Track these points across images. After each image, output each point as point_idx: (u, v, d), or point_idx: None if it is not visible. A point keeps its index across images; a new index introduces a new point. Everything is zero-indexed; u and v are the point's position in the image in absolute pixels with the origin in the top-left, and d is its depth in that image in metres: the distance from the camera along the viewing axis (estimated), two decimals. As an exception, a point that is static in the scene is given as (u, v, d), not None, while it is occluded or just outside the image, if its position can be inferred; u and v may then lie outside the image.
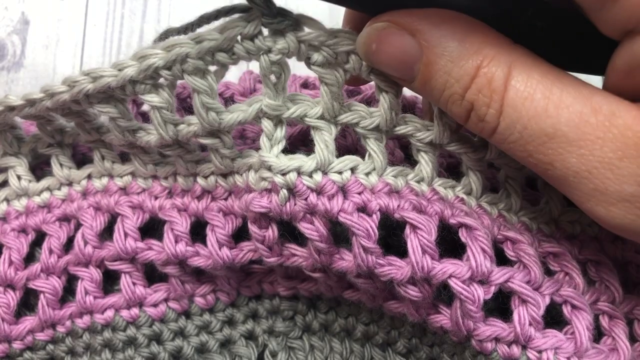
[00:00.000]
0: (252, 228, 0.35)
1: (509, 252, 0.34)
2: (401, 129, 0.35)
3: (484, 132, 0.30)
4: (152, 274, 0.39)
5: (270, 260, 0.36)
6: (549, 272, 0.35)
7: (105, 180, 0.40)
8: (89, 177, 0.40)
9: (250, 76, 0.43)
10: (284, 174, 0.34)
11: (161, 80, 0.34)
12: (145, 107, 0.41)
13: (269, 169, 0.34)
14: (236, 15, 0.33)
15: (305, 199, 0.34)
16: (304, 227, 0.34)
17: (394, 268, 0.33)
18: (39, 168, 0.42)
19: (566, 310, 0.33)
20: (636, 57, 0.26)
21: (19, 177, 0.40)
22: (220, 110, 0.34)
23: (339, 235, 0.35)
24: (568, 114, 0.28)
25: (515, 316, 0.32)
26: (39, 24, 0.52)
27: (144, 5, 0.52)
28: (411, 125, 0.35)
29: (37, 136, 0.40)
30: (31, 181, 0.40)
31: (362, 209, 0.34)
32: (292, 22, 0.32)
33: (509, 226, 0.35)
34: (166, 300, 0.39)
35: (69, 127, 0.39)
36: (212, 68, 0.34)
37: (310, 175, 0.34)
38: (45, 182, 0.40)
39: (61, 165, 0.40)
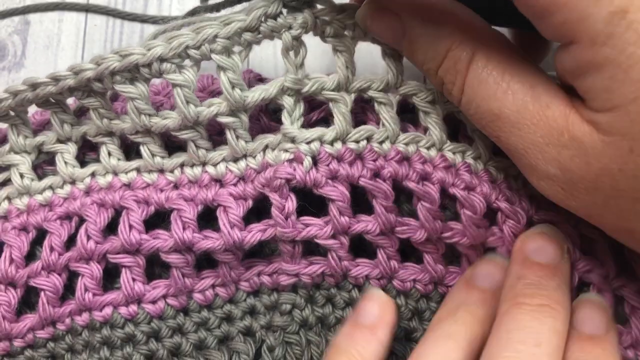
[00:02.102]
0: (274, 196, 0.37)
1: (500, 220, 0.38)
2: (405, 88, 0.38)
3: (453, 102, 0.35)
4: (151, 273, 0.40)
5: (284, 230, 0.37)
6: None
7: (109, 177, 0.40)
8: (93, 175, 0.40)
9: (249, 75, 0.44)
10: (307, 143, 0.37)
11: (186, 61, 0.37)
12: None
13: (292, 140, 0.37)
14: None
15: (328, 165, 0.37)
16: (328, 190, 0.37)
17: (412, 228, 0.37)
18: (40, 167, 0.42)
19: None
20: (563, 65, 0.30)
21: (21, 176, 0.40)
22: (244, 88, 0.37)
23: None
24: (512, 99, 0.32)
25: None
26: (39, 24, 0.52)
27: (144, 6, 0.53)
28: (413, 86, 0.38)
29: (44, 134, 0.41)
30: (33, 180, 0.41)
31: (377, 175, 0.37)
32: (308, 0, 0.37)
33: (508, 195, 0.38)
34: (165, 296, 0.39)
35: (76, 123, 0.40)
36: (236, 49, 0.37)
37: (331, 143, 0.37)
38: (48, 181, 0.41)
39: (66, 163, 0.40)
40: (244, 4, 0.42)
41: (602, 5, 0.27)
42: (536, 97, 0.31)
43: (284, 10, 0.37)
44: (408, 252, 0.39)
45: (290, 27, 0.37)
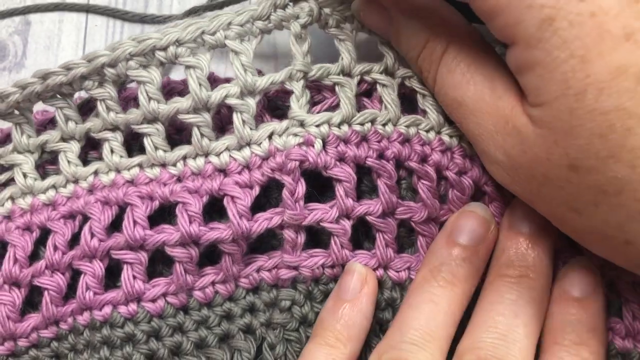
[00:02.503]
0: (287, 179, 0.38)
1: (486, 202, 0.41)
2: (402, 72, 0.41)
3: (430, 89, 0.39)
4: (151, 272, 0.40)
5: (293, 213, 0.38)
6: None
7: (112, 174, 0.40)
8: (96, 173, 0.41)
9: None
10: (317, 126, 0.39)
11: (201, 48, 0.39)
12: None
13: (302, 124, 0.39)
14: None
15: (336, 147, 0.39)
16: (337, 171, 0.38)
17: (413, 209, 0.39)
18: (42, 167, 0.42)
19: None
20: (510, 64, 0.34)
21: (25, 175, 0.41)
22: (254, 73, 0.39)
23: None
24: (474, 89, 0.36)
25: None
26: (40, 24, 0.52)
27: (145, 6, 0.53)
28: (410, 70, 0.41)
29: (48, 133, 0.41)
30: (36, 179, 0.41)
31: (381, 155, 0.39)
32: None
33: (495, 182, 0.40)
34: (165, 295, 0.39)
35: (80, 120, 0.41)
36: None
37: (338, 126, 0.39)
38: (51, 180, 0.41)
39: (69, 162, 0.41)
40: (242, 4, 0.45)
41: (534, 13, 0.30)
42: (493, 89, 0.35)
43: (291, 3, 0.40)
44: (403, 245, 0.41)
45: (297, 17, 0.40)
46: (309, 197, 0.39)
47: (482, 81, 0.36)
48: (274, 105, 0.42)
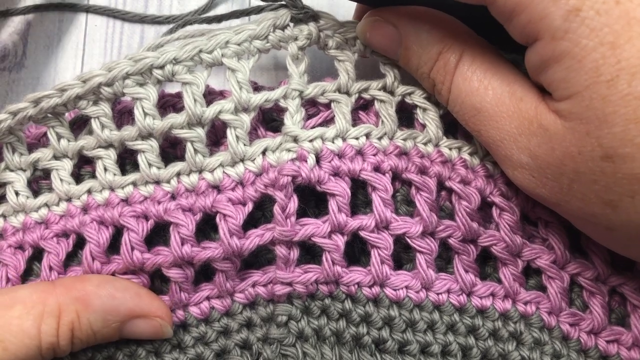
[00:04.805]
0: (279, 195, 0.38)
1: (495, 215, 0.40)
2: (402, 89, 0.41)
3: (442, 102, 0.39)
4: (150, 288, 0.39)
5: (283, 229, 0.38)
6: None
7: (106, 193, 0.40)
8: (89, 191, 0.40)
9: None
10: (310, 141, 0.39)
11: (198, 66, 0.40)
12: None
13: (295, 139, 0.39)
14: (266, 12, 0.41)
15: (330, 162, 0.39)
16: (330, 186, 0.38)
17: (408, 223, 0.39)
18: (35, 182, 0.42)
19: (544, 278, 0.40)
20: (531, 63, 0.34)
21: (17, 193, 0.41)
22: (250, 90, 0.39)
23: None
24: (492, 94, 0.36)
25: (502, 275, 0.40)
26: (40, 24, 0.53)
27: (144, 6, 0.53)
28: (410, 86, 0.41)
29: (39, 151, 0.41)
30: (29, 197, 0.41)
31: (377, 169, 0.39)
32: (313, 14, 0.40)
33: (503, 190, 0.40)
34: None
35: (72, 138, 0.41)
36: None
37: (332, 141, 0.39)
38: (43, 198, 0.41)
39: (61, 180, 0.41)
40: (239, 20, 0.45)
41: (560, 5, 0.31)
42: (512, 92, 0.35)
43: (291, 24, 0.40)
44: (402, 261, 0.40)
45: (296, 38, 0.40)
46: (305, 212, 0.39)
47: (500, 86, 0.36)
48: (270, 117, 0.42)
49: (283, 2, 0.41)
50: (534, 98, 0.35)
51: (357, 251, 0.40)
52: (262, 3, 0.41)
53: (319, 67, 0.43)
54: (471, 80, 0.37)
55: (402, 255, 0.40)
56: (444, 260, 0.40)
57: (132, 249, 0.38)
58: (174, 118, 0.39)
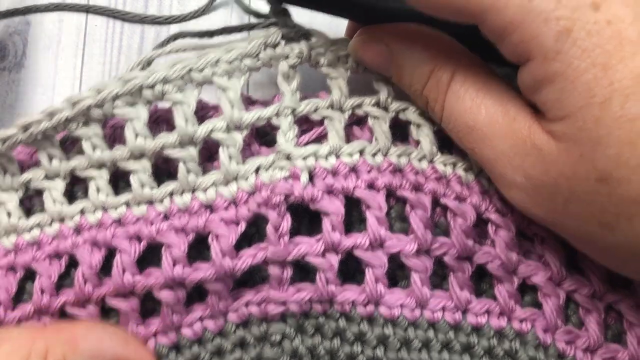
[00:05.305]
0: (272, 214, 0.37)
1: (491, 232, 0.39)
2: (396, 105, 0.41)
3: (436, 120, 0.38)
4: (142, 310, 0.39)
5: (276, 250, 0.37)
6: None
7: (99, 213, 0.39)
8: (82, 212, 0.40)
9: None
10: (303, 159, 0.39)
11: (188, 85, 0.39)
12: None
13: (288, 157, 0.39)
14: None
15: (324, 179, 0.38)
16: (324, 204, 0.38)
17: (403, 242, 0.38)
18: (28, 199, 0.41)
19: (540, 295, 0.39)
20: (524, 82, 0.34)
21: (8, 214, 0.40)
22: (241, 108, 0.39)
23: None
24: (485, 113, 0.35)
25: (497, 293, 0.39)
26: (40, 24, 0.52)
27: (144, 6, 0.53)
28: (404, 102, 0.41)
29: (31, 171, 0.40)
30: (21, 218, 0.40)
31: (371, 186, 0.39)
32: (304, 32, 0.40)
33: (499, 206, 0.39)
34: (155, 334, 0.38)
35: (64, 157, 0.40)
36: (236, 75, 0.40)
37: (325, 158, 0.39)
38: (35, 219, 0.40)
39: (54, 201, 0.40)
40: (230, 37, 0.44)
41: (551, 25, 0.31)
42: (505, 111, 0.35)
43: (282, 42, 0.40)
44: (396, 277, 0.40)
45: (287, 57, 0.40)
46: (299, 230, 0.39)
47: (493, 104, 0.35)
48: (263, 131, 0.41)
49: (274, 20, 0.40)
50: (527, 117, 0.34)
51: (351, 268, 0.39)
52: (254, 20, 0.41)
53: (312, 83, 0.43)
54: (464, 98, 0.36)
55: (397, 273, 0.39)
56: (439, 277, 0.39)
57: (124, 271, 0.37)
58: (165, 138, 0.38)
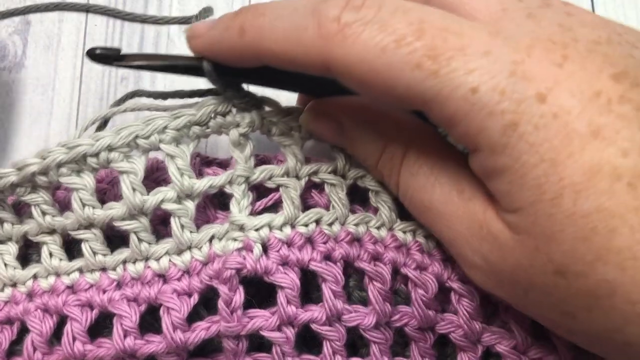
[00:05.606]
0: (223, 289, 0.36)
1: (454, 300, 0.38)
2: (354, 172, 0.39)
3: (394, 194, 0.38)
4: None
5: (229, 325, 0.36)
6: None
7: (52, 279, 0.39)
8: (35, 277, 0.39)
9: (196, 160, 0.42)
10: (256, 230, 0.37)
11: (134, 151, 0.38)
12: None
13: (241, 228, 0.38)
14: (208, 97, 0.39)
15: (278, 251, 0.37)
16: (278, 278, 0.37)
17: (360, 315, 0.37)
18: None
19: None
20: (474, 169, 0.32)
21: None
22: (192, 175, 0.38)
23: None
24: (440, 191, 0.34)
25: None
26: (40, 24, 0.52)
27: (144, 6, 0.52)
28: (362, 169, 0.39)
29: None
30: None
31: (328, 257, 0.38)
32: (256, 101, 0.39)
33: (461, 274, 0.38)
34: None
35: (16, 221, 0.39)
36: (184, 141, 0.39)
37: (280, 229, 0.38)
38: None
39: (6, 265, 0.39)
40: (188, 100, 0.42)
41: (496, 119, 0.29)
42: (460, 191, 0.34)
43: (234, 110, 0.39)
44: (356, 346, 0.39)
45: (238, 125, 0.38)
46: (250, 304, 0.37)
47: (448, 182, 0.34)
48: (220, 192, 0.40)
49: (226, 89, 0.38)
50: (482, 200, 0.33)
51: (310, 336, 0.38)
52: (204, 86, 0.39)
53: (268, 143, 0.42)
54: (417, 175, 0.35)
55: (357, 341, 0.38)
56: (400, 345, 0.39)
57: (74, 339, 0.37)
58: (114, 209, 0.37)
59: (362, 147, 0.37)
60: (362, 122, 0.37)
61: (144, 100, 0.41)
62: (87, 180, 0.37)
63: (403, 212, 0.39)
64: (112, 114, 0.40)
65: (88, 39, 0.52)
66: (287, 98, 0.41)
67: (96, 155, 0.37)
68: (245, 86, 0.39)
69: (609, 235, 0.28)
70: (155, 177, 0.41)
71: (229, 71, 0.36)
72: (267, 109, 0.39)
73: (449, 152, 0.35)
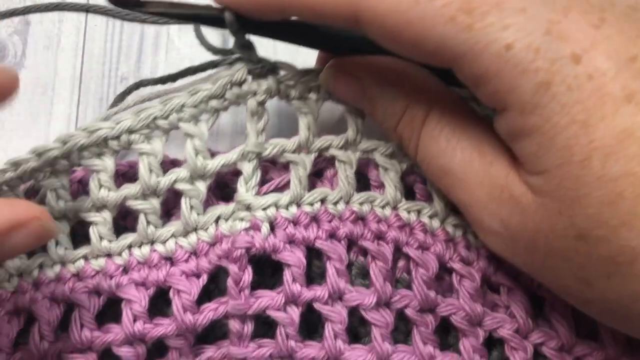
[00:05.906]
0: (233, 268, 0.37)
1: (455, 281, 0.38)
2: (364, 144, 0.39)
3: (412, 159, 0.37)
4: None
5: (237, 303, 0.36)
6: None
7: (57, 268, 0.39)
8: (41, 266, 0.39)
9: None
10: (264, 209, 0.38)
11: (155, 132, 0.38)
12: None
13: (248, 207, 0.38)
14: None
15: (285, 230, 0.37)
16: (285, 256, 0.37)
17: (362, 295, 0.37)
18: None
19: (507, 348, 0.38)
20: (500, 131, 0.32)
21: None
22: (207, 156, 0.38)
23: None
24: (461, 155, 0.34)
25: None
26: (39, 24, 0.52)
27: (144, 7, 0.52)
28: (373, 142, 0.39)
29: None
30: None
31: (333, 235, 0.38)
32: (271, 66, 0.38)
33: (463, 255, 0.38)
34: None
35: None
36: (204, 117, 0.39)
37: (286, 208, 0.38)
38: None
39: None
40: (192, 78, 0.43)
41: (529, 78, 0.29)
42: (482, 155, 0.33)
43: (249, 78, 0.38)
44: (359, 334, 0.38)
45: (255, 93, 0.38)
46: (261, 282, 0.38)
47: (470, 147, 0.34)
48: (222, 183, 0.41)
49: (239, 56, 0.38)
50: (504, 164, 0.33)
51: (315, 323, 0.38)
52: (215, 57, 0.39)
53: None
54: (438, 139, 0.35)
55: (360, 330, 0.38)
56: (402, 333, 0.38)
57: (82, 327, 0.37)
58: (128, 189, 0.38)
59: (383, 107, 0.37)
60: (384, 82, 0.36)
61: (149, 90, 0.41)
62: (108, 162, 0.38)
63: (408, 193, 0.39)
64: (120, 111, 0.40)
65: (88, 39, 0.52)
66: (302, 63, 0.41)
67: (117, 137, 0.37)
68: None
69: (636, 200, 0.28)
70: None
71: (251, 25, 0.36)
72: (282, 73, 0.39)
73: (472, 116, 0.35)
